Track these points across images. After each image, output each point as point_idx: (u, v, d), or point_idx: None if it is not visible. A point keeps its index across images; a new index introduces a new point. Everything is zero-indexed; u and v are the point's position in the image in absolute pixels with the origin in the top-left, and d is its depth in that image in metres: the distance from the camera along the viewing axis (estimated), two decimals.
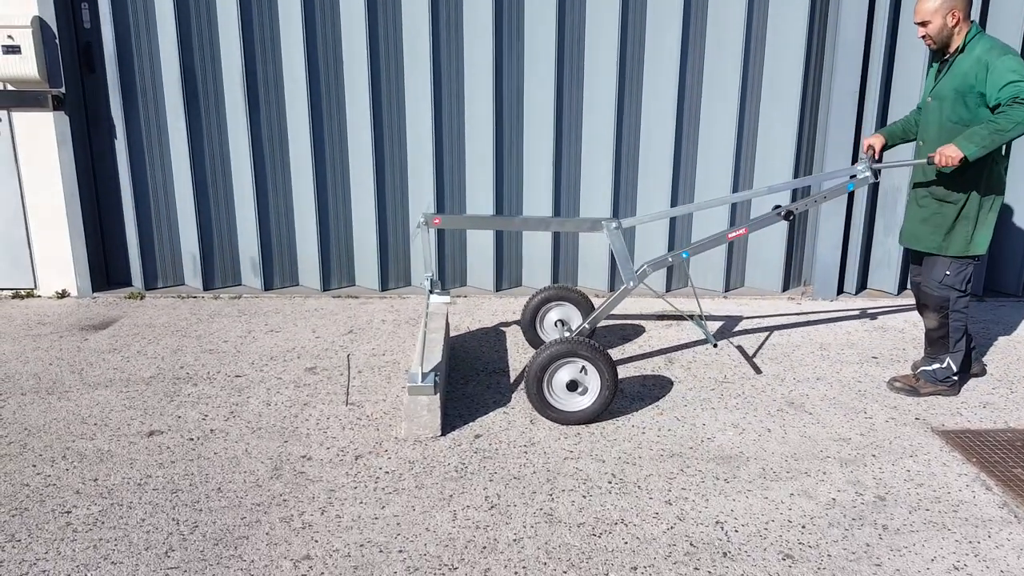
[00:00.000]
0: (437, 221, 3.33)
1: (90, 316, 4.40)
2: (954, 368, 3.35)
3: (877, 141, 3.46)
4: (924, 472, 2.78)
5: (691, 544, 2.36)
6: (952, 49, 3.15)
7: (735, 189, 4.69)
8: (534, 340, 3.82)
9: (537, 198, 4.72)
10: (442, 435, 3.01)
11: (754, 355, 3.84)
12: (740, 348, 3.88)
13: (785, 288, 4.89)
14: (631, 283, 3.27)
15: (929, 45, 3.17)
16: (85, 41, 4.49)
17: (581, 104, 4.59)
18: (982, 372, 3.63)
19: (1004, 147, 3.13)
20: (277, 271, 4.83)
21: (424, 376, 2.92)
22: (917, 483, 2.71)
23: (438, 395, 2.95)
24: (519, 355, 3.85)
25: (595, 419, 3.09)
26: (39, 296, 4.71)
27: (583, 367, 3.04)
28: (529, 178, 4.70)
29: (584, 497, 2.62)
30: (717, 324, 4.32)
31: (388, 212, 4.74)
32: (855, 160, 4.53)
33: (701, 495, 2.63)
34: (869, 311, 4.56)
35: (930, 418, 3.20)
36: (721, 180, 4.68)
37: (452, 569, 2.25)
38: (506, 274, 4.89)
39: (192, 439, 3.00)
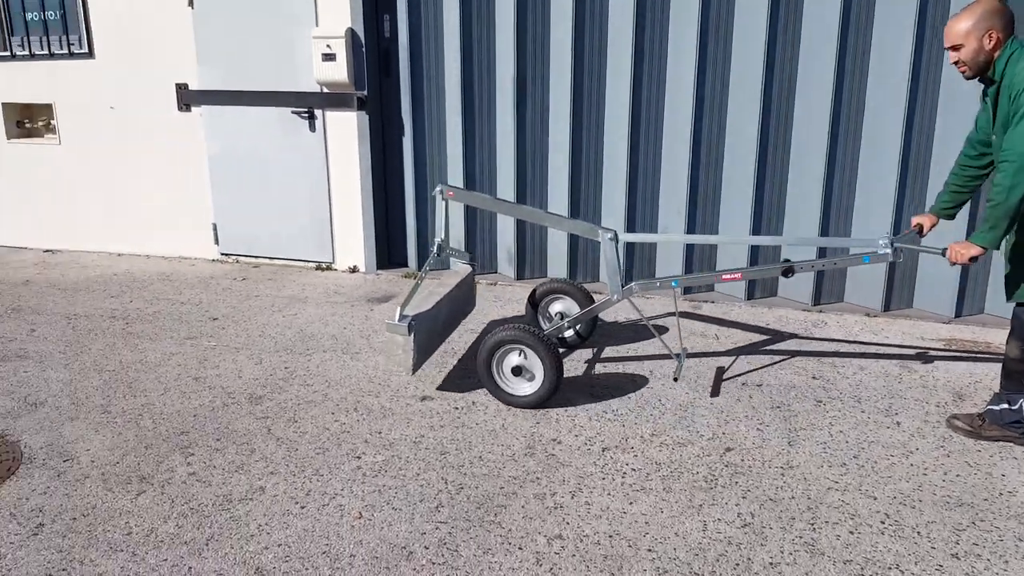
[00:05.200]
0: (451, 194, 3.64)
1: (375, 290, 5.03)
2: None
3: (927, 220, 3.13)
4: None
5: None
6: (991, 75, 2.62)
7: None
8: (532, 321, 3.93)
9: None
10: (413, 374, 3.43)
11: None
12: None
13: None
14: (615, 296, 3.32)
15: (963, 72, 2.64)
16: (384, 49, 5.11)
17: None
18: None
19: None
20: (527, 263, 5.14)
21: (402, 318, 3.18)
22: None
23: (412, 337, 3.22)
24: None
25: (542, 405, 3.24)
26: (335, 269, 5.48)
27: (523, 352, 3.21)
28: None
29: (851, 533, 2.46)
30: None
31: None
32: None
33: (998, 555, 2.34)
34: None
35: None
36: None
37: None
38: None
39: (456, 408, 3.31)
